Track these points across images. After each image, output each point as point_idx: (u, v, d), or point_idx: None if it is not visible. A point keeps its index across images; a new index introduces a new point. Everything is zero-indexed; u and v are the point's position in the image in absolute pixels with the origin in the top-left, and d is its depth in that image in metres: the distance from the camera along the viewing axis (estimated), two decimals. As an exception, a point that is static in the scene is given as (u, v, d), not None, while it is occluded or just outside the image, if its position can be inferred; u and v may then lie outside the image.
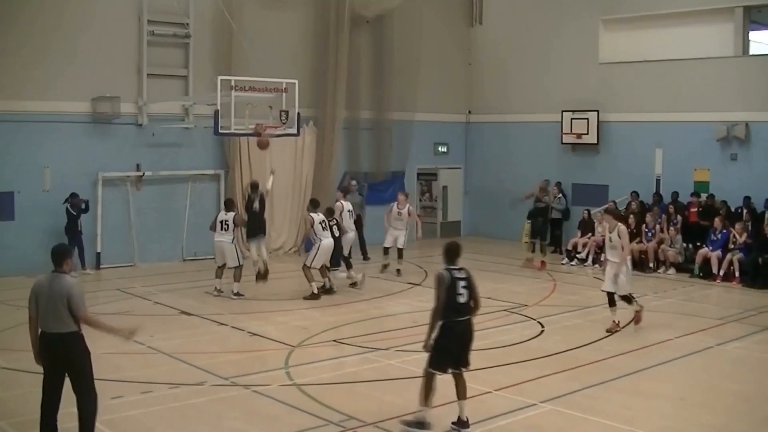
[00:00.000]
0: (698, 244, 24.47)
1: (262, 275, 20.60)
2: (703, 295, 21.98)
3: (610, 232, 17.13)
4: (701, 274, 23.74)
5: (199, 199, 25.89)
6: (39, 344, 10.13)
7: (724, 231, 23.77)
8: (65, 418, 10.41)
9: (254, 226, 20.85)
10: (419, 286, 22.06)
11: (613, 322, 17.12)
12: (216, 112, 20.40)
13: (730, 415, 12.19)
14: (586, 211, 27.11)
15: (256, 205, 20.81)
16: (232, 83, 20.15)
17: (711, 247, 23.80)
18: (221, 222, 20.43)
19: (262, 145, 20.68)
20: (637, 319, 17.34)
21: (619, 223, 17.22)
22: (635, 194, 26.96)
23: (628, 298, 17.18)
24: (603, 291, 17.35)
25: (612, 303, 17.16)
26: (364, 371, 14.03)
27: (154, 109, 24.67)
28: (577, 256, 26.30)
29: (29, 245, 22.55)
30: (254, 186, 21.21)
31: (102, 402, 11.92)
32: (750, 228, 23.62)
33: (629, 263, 17.37)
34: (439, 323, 10.92)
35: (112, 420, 11.29)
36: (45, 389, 10.18)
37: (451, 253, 11.25)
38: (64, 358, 10.04)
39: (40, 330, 10.12)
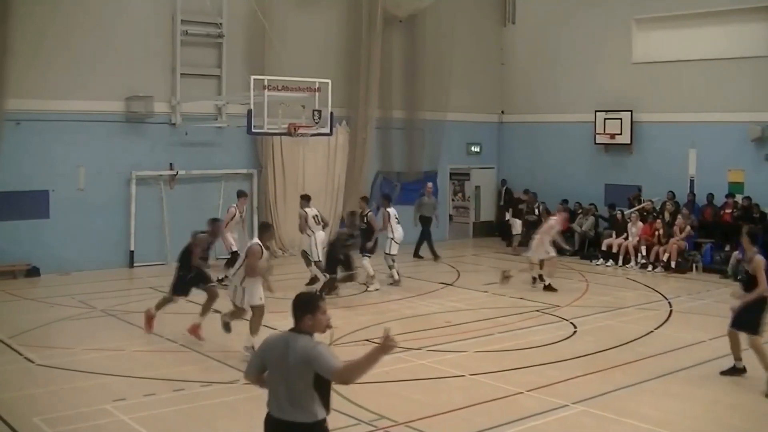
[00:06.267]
0: (735, 245, 24.25)
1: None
2: (737, 296, 21.78)
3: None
4: (739, 278, 23.46)
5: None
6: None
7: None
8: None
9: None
10: (451, 286, 22.06)
11: None
12: (249, 112, 20.54)
13: (763, 419, 12.13)
14: (619, 212, 27.00)
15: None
16: (265, 83, 20.22)
17: (741, 254, 23.58)
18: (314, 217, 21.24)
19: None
20: None
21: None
22: (671, 194, 26.82)
23: None
24: None
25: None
26: (396, 371, 13.99)
27: (188, 108, 24.80)
28: (609, 259, 26.21)
29: (63, 243, 22.83)
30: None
31: (134, 399, 12.06)
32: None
33: None
34: None
35: (144, 417, 11.35)
36: None
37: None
38: None
39: (267, 410, 7.07)
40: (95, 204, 23.49)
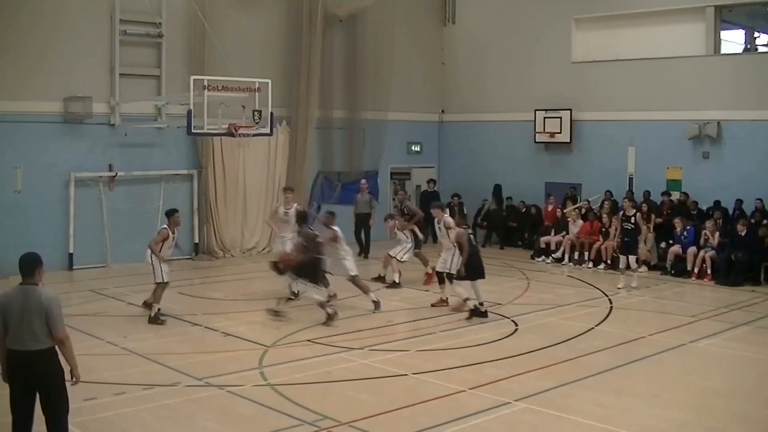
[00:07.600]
0: (670, 242, 24.57)
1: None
2: (676, 292, 22.09)
3: (438, 224, 19.24)
4: (673, 272, 23.89)
5: (172, 199, 25.59)
6: (8, 363, 9.22)
7: (688, 228, 23.98)
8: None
9: None
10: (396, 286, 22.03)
11: (441, 298, 19.40)
12: (189, 112, 20.38)
13: (703, 412, 12.27)
14: (559, 209, 27.21)
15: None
16: (205, 83, 20.10)
17: (681, 245, 23.97)
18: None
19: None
20: (456, 308, 18.61)
21: (445, 216, 19.41)
22: (609, 193, 27.07)
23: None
24: (436, 270, 19.66)
25: (442, 281, 19.26)
26: (339, 371, 14.01)
27: (127, 109, 24.49)
28: (553, 255, 26.39)
29: (1, 247, 22.37)
30: None
31: (75, 404, 11.82)
32: (721, 226, 23.74)
33: (458, 249, 18.37)
34: None
35: (85, 422, 11.21)
36: (17, 410, 9.33)
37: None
38: (38, 377, 9.22)
39: (8, 348, 9.16)
40: (33, 206, 23.12)
